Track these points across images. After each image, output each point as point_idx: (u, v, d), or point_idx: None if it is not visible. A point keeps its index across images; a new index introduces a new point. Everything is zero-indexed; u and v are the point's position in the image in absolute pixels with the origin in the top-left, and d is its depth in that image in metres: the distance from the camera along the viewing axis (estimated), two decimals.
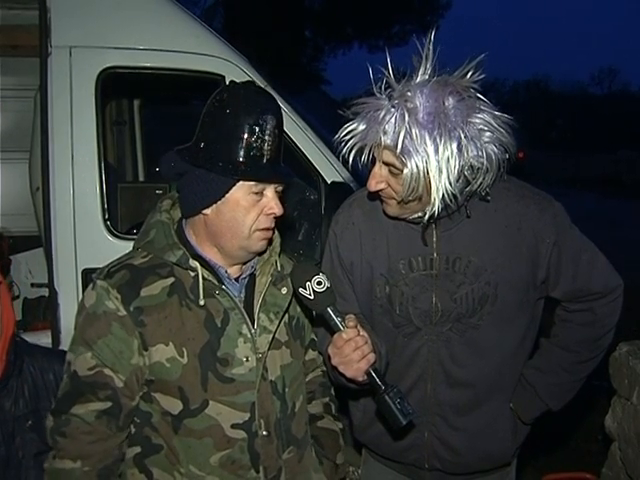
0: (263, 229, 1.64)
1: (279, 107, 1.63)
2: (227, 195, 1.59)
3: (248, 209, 1.61)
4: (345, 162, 1.73)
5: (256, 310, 1.70)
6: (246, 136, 1.56)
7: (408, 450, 1.96)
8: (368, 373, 1.60)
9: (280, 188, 1.66)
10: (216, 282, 1.65)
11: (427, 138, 1.56)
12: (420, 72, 1.63)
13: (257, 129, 1.56)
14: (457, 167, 1.60)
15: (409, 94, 1.59)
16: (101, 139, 2.98)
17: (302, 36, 19.04)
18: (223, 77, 2.99)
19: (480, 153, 1.62)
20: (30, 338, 2.17)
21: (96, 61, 2.95)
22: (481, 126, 1.62)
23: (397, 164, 1.63)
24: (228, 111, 1.57)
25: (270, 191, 1.63)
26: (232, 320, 1.65)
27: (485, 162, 1.63)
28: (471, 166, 1.63)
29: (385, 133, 1.61)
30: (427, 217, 1.69)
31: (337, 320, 1.60)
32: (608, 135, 38.19)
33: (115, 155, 4.55)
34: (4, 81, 4.04)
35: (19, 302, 4.30)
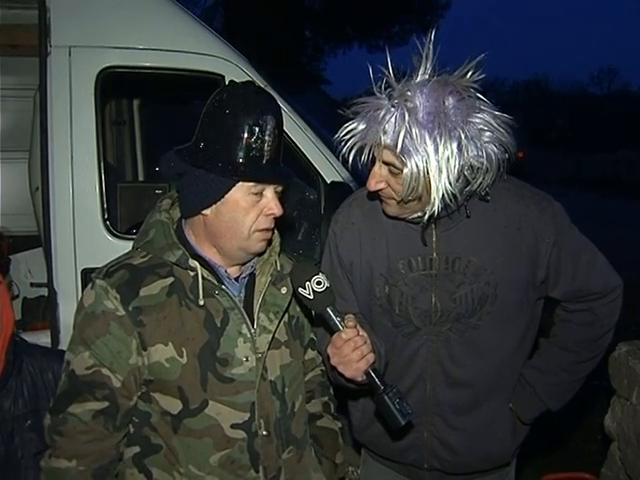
0: (262, 230, 1.64)
1: (279, 107, 1.63)
2: (226, 196, 1.58)
3: (247, 210, 1.60)
4: (345, 162, 1.73)
5: (256, 310, 1.70)
6: (246, 136, 1.56)
7: (407, 450, 1.96)
8: (367, 373, 1.60)
9: (280, 189, 1.66)
10: (216, 282, 1.65)
11: (427, 138, 1.56)
12: (420, 72, 1.63)
13: (257, 129, 1.56)
14: (457, 167, 1.59)
15: (409, 94, 1.58)
16: (100, 139, 2.98)
17: (302, 36, 19.04)
18: (223, 77, 2.98)
19: (480, 153, 1.62)
20: (29, 338, 2.16)
21: (95, 61, 2.95)
22: (481, 126, 1.62)
23: (397, 164, 1.63)
24: (228, 111, 1.56)
25: (270, 192, 1.62)
26: (232, 320, 1.65)
27: (485, 162, 1.63)
28: (471, 166, 1.63)
29: (385, 133, 1.61)
30: (427, 217, 1.69)
31: (336, 320, 1.59)
32: (608, 135, 38.18)
33: (115, 155, 4.55)
34: (4, 81, 4.03)
35: (18, 302, 4.31)
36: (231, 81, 1.68)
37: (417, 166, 1.59)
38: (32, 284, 4.45)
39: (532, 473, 3.45)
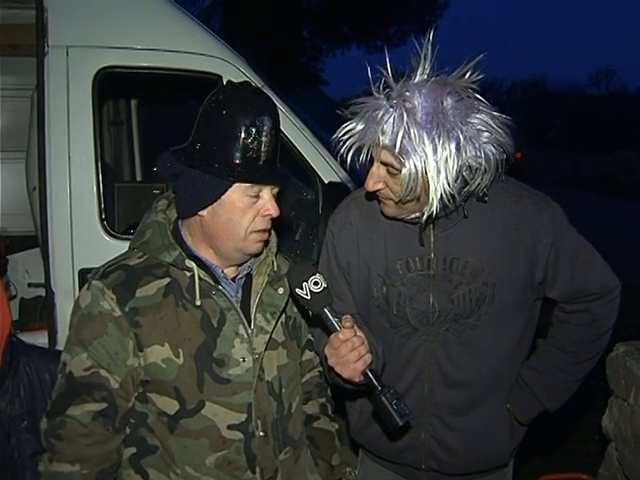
0: (259, 231, 1.64)
1: (275, 108, 1.63)
2: (223, 197, 1.58)
3: (244, 211, 1.60)
4: (343, 162, 1.73)
5: (253, 310, 1.70)
6: (242, 137, 1.55)
7: (405, 451, 1.96)
8: (365, 374, 1.60)
9: (276, 189, 1.65)
10: (212, 282, 1.64)
11: (425, 138, 1.56)
12: (418, 72, 1.63)
13: (254, 130, 1.55)
14: (455, 167, 1.59)
15: (407, 94, 1.58)
16: (98, 139, 2.97)
17: (300, 36, 19.01)
18: (220, 77, 2.98)
19: (478, 153, 1.62)
20: (27, 338, 2.17)
21: (93, 61, 2.94)
22: (479, 126, 1.61)
23: (395, 164, 1.63)
24: (224, 112, 1.56)
25: (266, 192, 1.62)
26: (228, 320, 1.65)
27: (483, 162, 1.63)
28: (469, 166, 1.63)
29: (383, 133, 1.61)
30: (425, 217, 1.69)
31: (334, 320, 1.59)
32: (605, 135, 38.22)
33: (112, 155, 4.54)
34: (2, 80, 4.03)
35: (16, 302, 4.31)
36: (228, 81, 1.68)
37: (415, 166, 1.58)
38: (30, 284, 4.45)
39: (530, 474, 3.45)
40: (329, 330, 1.62)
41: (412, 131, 1.56)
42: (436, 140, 1.56)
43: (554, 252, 1.81)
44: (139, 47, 2.99)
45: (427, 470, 1.97)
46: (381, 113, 1.61)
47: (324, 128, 3.20)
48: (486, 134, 1.63)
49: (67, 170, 2.90)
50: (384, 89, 1.64)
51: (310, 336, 1.93)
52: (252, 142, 1.56)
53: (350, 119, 1.69)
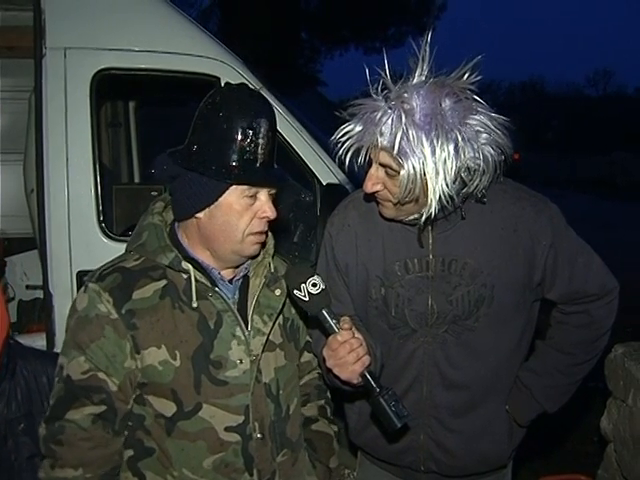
0: (256, 233, 1.64)
1: (272, 110, 1.62)
2: (220, 199, 1.58)
3: (241, 213, 1.60)
4: (341, 163, 1.72)
5: (250, 312, 1.69)
6: (239, 139, 1.55)
7: (404, 452, 1.95)
8: (363, 375, 1.59)
9: (273, 191, 1.65)
10: (209, 284, 1.64)
11: (424, 139, 1.56)
12: (417, 73, 1.62)
13: (251, 132, 1.55)
14: (454, 169, 1.59)
15: (406, 95, 1.58)
16: (96, 141, 2.98)
17: (298, 38, 19.03)
18: (218, 79, 2.98)
19: (477, 155, 1.62)
20: (25, 340, 2.17)
21: (91, 62, 2.95)
22: (478, 128, 1.61)
23: (394, 165, 1.63)
24: (221, 114, 1.55)
25: (263, 194, 1.62)
26: (225, 322, 1.64)
27: (482, 164, 1.63)
28: (468, 168, 1.62)
29: (382, 134, 1.61)
30: (423, 219, 1.69)
31: (332, 322, 1.59)
32: (603, 137, 38.28)
33: (110, 157, 4.54)
34: (0, 82, 4.02)
35: (14, 304, 4.30)
36: (225, 83, 1.68)
37: (414, 168, 1.58)
38: (28, 286, 4.45)
39: (529, 475, 3.45)
40: (327, 332, 1.61)
41: (410, 132, 1.55)
42: (434, 141, 1.55)
43: (552, 253, 1.81)
44: (137, 49, 2.99)
45: (426, 472, 1.96)
46: (379, 114, 1.60)
47: (322, 130, 3.20)
48: (484, 135, 1.62)
49: (65, 172, 2.90)
50: (382, 91, 1.64)
51: (309, 338, 1.93)
52: (249, 144, 1.55)
53: (348, 121, 1.69)
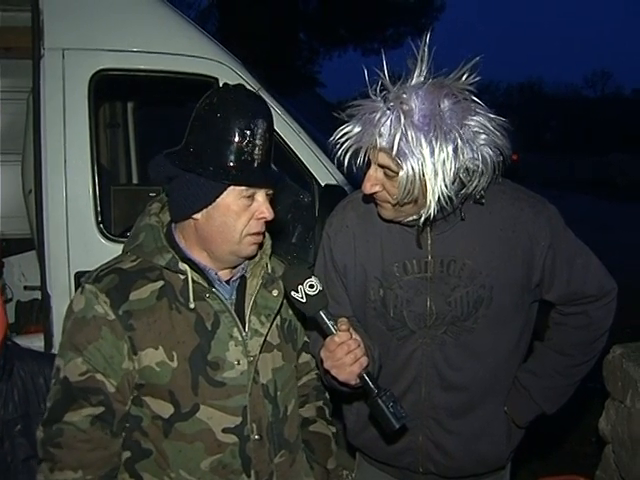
0: (254, 234, 1.64)
1: (269, 110, 1.62)
2: (218, 200, 1.58)
3: (239, 214, 1.60)
4: (340, 164, 1.72)
5: (247, 313, 1.69)
6: (237, 140, 1.55)
7: (402, 454, 1.95)
8: (361, 377, 1.59)
9: (271, 192, 1.65)
10: (206, 285, 1.64)
11: (423, 140, 1.56)
12: (415, 74, 1.62)
13: (248, 133, 1.55)
14: (453, 169, 1.59)
15: (404, 96, 1.58)
16: (94, 141, 2.97)
17: (297, 38, 19.03)
18: (217, 79, 2.98)
19: (475, 155, 1.61)
20: (23, 341, 2.16)
21: (89, 63, 2.94)
22: (476, 128, 1.61)
23: (393, 166, 1.62)
24: (219, 115, 1.55)
25: (261, 195, 1.62)
26: (223, 323, 1.64)
27: (480, 165, 1.63)
28: (466, 169, 1.62)
29: (381, 135, 1.60)
30: (422, 220, 1.69)
31: (329, 323, 1.59)
32: (601, 138, 38.33)
33: (108, 157, 4.53)
34: None
35: (12, 305, 4.30)
36: (223, 84, 1.68)
37: (413, 169, 1.58)
38: (26, 287, 4.45)
39: (527, 476, 3.45)
40: (325, 333, 1.61)
41: (409, 133, 1.55)
42: (433, 142, 1.55)
43: (551, 254, 1.81)
44: (135, 49, 2.99)
45: (424, 473, 1.96)
46: (378, 115, 1.60)
47: (321, 131, 3.20)
48: (483, 136, 1.62)
49: (63, 173, 2.90)
50: (381, 91, 1.64)
51: (307, 339, 1.93)
52: (247, 145, 1.56)
53: (347, 121, 1.68)
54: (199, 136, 1.58)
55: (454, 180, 1.62)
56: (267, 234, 1.75)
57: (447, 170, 1.58)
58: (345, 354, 1.57)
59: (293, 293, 1.59)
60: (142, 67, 3.03)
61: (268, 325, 1.72)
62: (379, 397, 1.57)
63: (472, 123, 1.61)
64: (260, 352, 1.69)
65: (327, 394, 1.99)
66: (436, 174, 1.58)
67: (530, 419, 1.98)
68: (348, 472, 2.62)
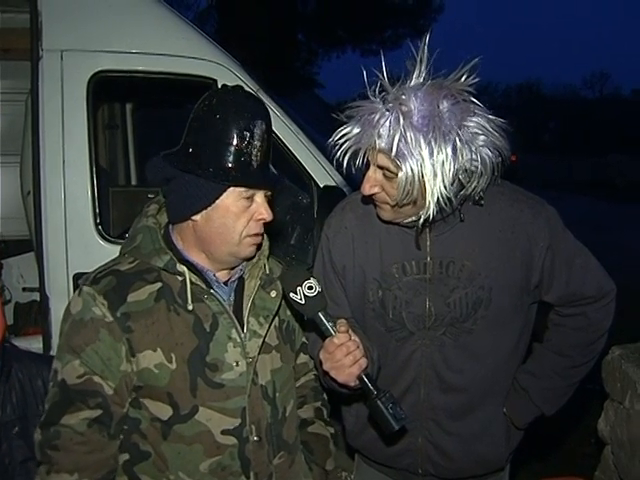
0: (253, 235, 1.64)
1: (268, 111, 1.62)
2: (217, 201, 1.57)
3: (238, 215, 1.59)
4: (339, 166, 1.72)
5: (245, 314, 1.69)
6: (236, 142, 1.55)
7: (401, 455, 1.95)
8: (360, 378, 1.59)
9: (269, 193, 1.65)
10: (204, 286, 1.63)
11: (422, 141, 1.55)
12: (414, 75, 1.62)
13: (247, 134, 1.55)
14: (452, 170, 1.59)
15: (403, 97, 1.58)
16: (93, 143, 2.96)
17: (295, 40, 19.03)
18: (215, 81, 2.98)
19: (475, 157, 1.61)
20: (21, 343, 2.16)
21: (87, 65, 2.94)
22: (475, 130, 1.61)
23: (392, 167, 1.62)
24: (218, 116, 1.55)
25: (260, 196, 1.62)
26: (221, 324, 1.64)
27: (479, 166, 1.63)
28: (466, 170, 1.62)
29: (380, 136, 1.60)
30: (421, 221, 1.69)
31: (328, 325, 1.58)
32: (599, 139, 38.35)
33: (107, 159, 4.53)
34: None
35: (11, 306, 4.29)
36: (222, 85, 1.68)
37: (412, 170, 1.58)
38: (24, 289, 4.44)
39: (527, 477, 3.45)
40: (324, 334, 1.61)
41: (408, 134, 1.55)
42: (432, 143, 1.55)
43: (550, 255, 1.81)
44: (134, 51, 2.98)
45: (424, 474, 1.96)
46: (377, 116, 1.60)
47: (320, 132, 3.20)
48: (482, 137, 1.62)
49: (62, 174, 2.89)
50: (380, 93, 1.64)
51: (304, 339, 1.93)
52: (246, 146, 1.55)
53: (346, 123, 1.68)
54: (198, 137, 1.58)
55: (453, 181, 1.62)
56: (265, 235, 1.75)
57: (446, 171, 1.58)
58: (344, 355, 1.56)
59: (292, 295, 1.59)
60: (141, 68, 3.02)
61: (266, 326, 1.72)
62: (378, 398, 1.57)
63: (471, 124, 1.61)
64: (259, 353, 1.69)
65: (325, 395, 1.99)
66: (435, 175, 1.58)
67: (529, 420, 1.98)
68: (347, 473, 2.61)
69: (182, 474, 1.61)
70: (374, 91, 1.64)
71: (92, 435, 1.57)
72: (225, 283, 1.71)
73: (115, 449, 1.63)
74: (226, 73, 3.01)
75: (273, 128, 1.67)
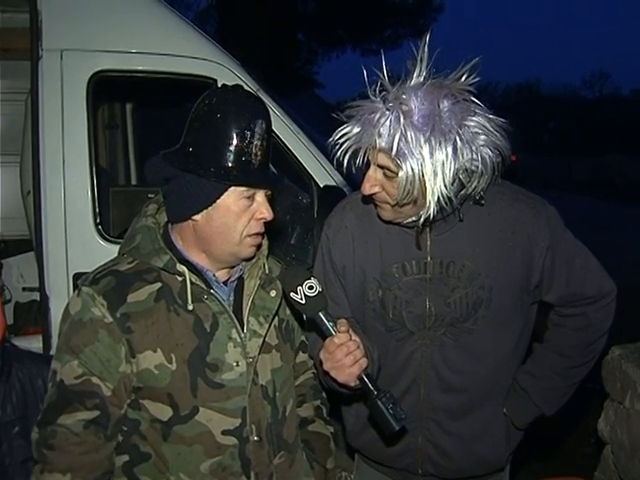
0: (253, 234, 1.63)
1: (268, 111, 1.62)
2: (218, 201, 1.57)
3: (239, 215, 1.59)
4: (339, 165, 1.72)
5: (245, 314, 1.69)
6: (236, 141, 1.54)
7: (402, 455, 1.95)
8: (360, 378, 1.59)
9: (269, 192, 1.65)
10: (204, 286, 1.63)
11: (422, 141, 1.55)
12: (415, 75, 1.62)
13: (248, 134, 1.55)
14: (452, 170, 1.59)
15: (404, 97, 1.58)
16: (92, 142, 2.96)
17: (295, 39, 19.03)
18: (215, 81, 2.98)
19: (475, 156, 1.61)
20: (21, 343, 2.15)
21: (87, 64, 2.94)
22: (476, 129, 1.61)
23: (392, 167, 1.62)
24: (218, 115, 1.55)
25: (260, 196, 1.62)
26: (221, 324, 1.64)
27: (480, 165, 1.63)
28: (466, 169, 1.62)
29: (380, 136, 1.60)
30: (422, 221, 1.69)
31: (329, 325, 1.58)
32: (599, 139, 38.36)
33: (107, 159, 4.53)
34: None
35: (11, 306, 4.29)
36: (222, 85, 1.68)
37: (412, 169, 1.58)
38: (24, 288, 4.44)
39: (527, 477, 3.45)
40: (324, 334, 1.61)
41: (409, 134, 1.55)
42: (433, 143, 1.55)
43: (550, 255, 1.80)
44: (134, 51, 2.98)
45: (424, 475, 1.96)
46: (377, 116, 1.60)
47: (320, 131, 3.20)
48: (482, 137, 1.62)
49: (61, 174, 2.89)
50: (380, 92, 1.63)
51: (304, 338, 1.93)
52: (247, 146, 1.55)
53: (346, 122, 1.68)
54: (198, 136, 1.57)
55: (453, 181, 1.62)
56: (264, 235, 1.75)
57: (446, 170, 1.58)
58: (344, 355, 1.56)
59: (292, 294, 1.59)
60: (140, 68, 3.02)
61: (266, 326, 1.72)
62: (378, 398, 1.57)
63: (471, 124, 1.60)
64: (259, 353, 1.69)
65: (324, 393, 1.99)
66: (435, 174, 1.58)
67: (529, 421, 1.97)
68: (347, 473, 2.62)
69: (183, 475, 1.61)
70: (374, 90, 1.64)
71: (88, 436, 1.56)
72: (225, 283, 1.71)
73: (111, 451, 1.62)
74: (226, 73, 3.01)
75: (273, 128, 1.67)
